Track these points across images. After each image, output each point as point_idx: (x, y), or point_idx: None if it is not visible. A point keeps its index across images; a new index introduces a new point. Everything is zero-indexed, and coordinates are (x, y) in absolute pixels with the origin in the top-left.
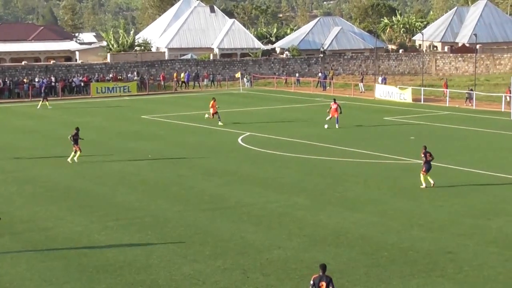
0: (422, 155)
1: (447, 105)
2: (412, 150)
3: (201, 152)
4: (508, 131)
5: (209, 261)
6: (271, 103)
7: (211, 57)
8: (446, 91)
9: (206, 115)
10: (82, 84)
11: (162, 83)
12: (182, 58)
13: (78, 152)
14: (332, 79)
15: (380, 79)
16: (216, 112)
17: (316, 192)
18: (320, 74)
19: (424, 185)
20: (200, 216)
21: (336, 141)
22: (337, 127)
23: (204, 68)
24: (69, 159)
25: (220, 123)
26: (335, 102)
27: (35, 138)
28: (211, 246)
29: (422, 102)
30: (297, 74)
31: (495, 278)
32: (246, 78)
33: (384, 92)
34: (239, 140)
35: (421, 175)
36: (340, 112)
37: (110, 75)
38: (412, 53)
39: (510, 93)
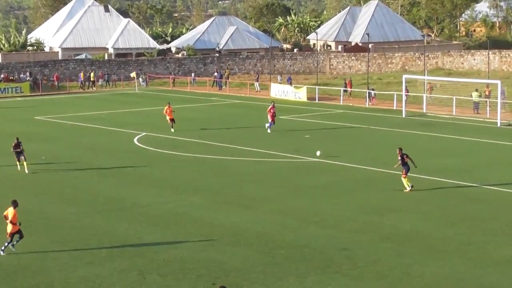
0: (399, 158)
1: (341, 103)
2: (308, 149)
3: (96, 153)
4: (401, 129)
5: (106, 263)
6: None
7: (106, 57)
8: (344, 90)
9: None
10: None
11: (56, 83)
12: (76, 58)
13: (25, 162)
14: (228, 79)
15: (279, 78)
16: (172, 119)
17: (213, 191)
18: (216, 73)
19: (408, 189)
20: (96, 217)
21: (233, 140)
22: (268, 131)
23: (99, 68)
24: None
25: (172, 130)
26: (273, 106)
27: None
28: (108, 248)
29: (317, 101)
30: (193, 74)
31: (389, 273)
32: (141, 78)
33: (280, 91)
34: (135, 140)
35: (403, 179)
36: (274, 115)
37: (2, 76)
38: (306, 52)
39: (408, 92)
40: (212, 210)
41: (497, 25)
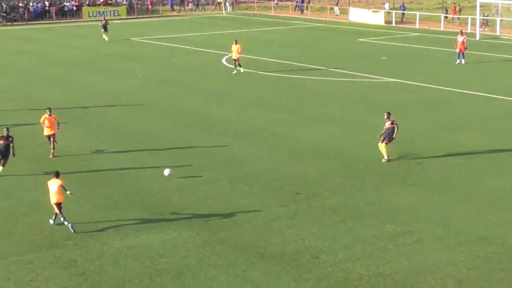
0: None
1: (417, 27)
2: (384, 69)
3: (187, 72)
4: (475, 51)
5: (198, 172)
6: (252, 25)
7: None
8: (445, 16)
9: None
10: (75, 8)
11: (150, 7)
12: None
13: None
14: (309, 3)
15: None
16: (238, 59)
17: (295, 109)
18: None
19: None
20: (188, 131)
21: (313, 61)
22: (463, 62)
23: None
24: None
25: (236, 71)
26: (462, 34)
27: (31, 59)
28: (199, 159)
29: (393, 24)
30: None
31: (461, 186)
32: (228, 2)
33: (358, 15)
34: (223, 60)
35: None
36: (465, 47)
37: (101, 0)
38: None
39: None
40: (294, 126)
41: None
